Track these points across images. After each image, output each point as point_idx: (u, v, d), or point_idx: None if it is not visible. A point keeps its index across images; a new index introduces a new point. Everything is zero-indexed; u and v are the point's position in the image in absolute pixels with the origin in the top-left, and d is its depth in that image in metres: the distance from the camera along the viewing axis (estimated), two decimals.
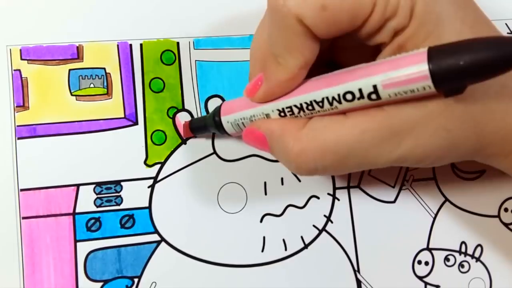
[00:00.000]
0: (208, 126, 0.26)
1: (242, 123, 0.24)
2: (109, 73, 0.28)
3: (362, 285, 0.28)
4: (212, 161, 0.28)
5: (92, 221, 0.27)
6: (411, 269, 0.28)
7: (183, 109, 0.29)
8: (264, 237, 0.28)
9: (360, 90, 0.19)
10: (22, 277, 0.26)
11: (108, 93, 0.28)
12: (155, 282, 0.27)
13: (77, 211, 0.27)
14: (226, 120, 0.25)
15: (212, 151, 0.28)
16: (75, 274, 0.27)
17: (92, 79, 0.28)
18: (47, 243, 0.27)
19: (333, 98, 0.20)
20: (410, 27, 0.19)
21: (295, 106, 0.21)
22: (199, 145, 0.28)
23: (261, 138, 0.23)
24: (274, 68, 0.21)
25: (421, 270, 0.28)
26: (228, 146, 0.28)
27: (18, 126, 0.27)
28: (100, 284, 0.27)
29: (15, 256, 0.26)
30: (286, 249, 0.28)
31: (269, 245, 0.28)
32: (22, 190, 0.27)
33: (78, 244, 0.27)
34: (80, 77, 0.28)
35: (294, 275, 0.28)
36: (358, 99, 0.19)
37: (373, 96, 0.19)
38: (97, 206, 0.27)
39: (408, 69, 0.18)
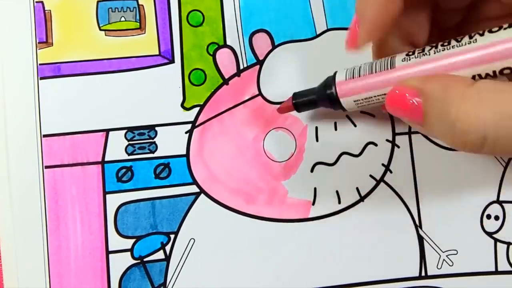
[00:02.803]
0: (319, 101, 0.24)
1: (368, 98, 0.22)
2: (142, 5, 0.27)
3: (425, 242, 0.26)
4: (257, 104, 0.27)
5: (123, 170, 0.26)
6: (479, 224, 0.27)
7: (225, 45, 0.27)
8: (315, 189, 0.26)
9: None
10: (45, 232, 0.25)
11: (141, 28, 0.27)
12: (193, 239, 0.26)
13: (106, 159, 0.26)
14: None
15: (257, 92, 0.27)
16: (104, 230, 0.26)
17: (123, 11, 0.27)
18: (73, 195, 0.26)
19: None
20: None
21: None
22: (243, 85, 0.27)
23: (413, 104, 0.19)
24: (364, 2, 0.20)
25: (491, 225, 0.27)
26: (275, 87, 0.27)
27: (40, 64, 0.26)
28: (132, 240, 0.26)
29: (37, 209, 0.25)
30: (339, 202, 0.26)
31: (320, 197, 0.26)
32: (45, 136, 0.26)
33: (108, 196, 0.26)
34: (110, 9, 0.27)
35: (348, 231, 0.26)
36: None
37: None
38: (129, 154, 0.26)
39: None
